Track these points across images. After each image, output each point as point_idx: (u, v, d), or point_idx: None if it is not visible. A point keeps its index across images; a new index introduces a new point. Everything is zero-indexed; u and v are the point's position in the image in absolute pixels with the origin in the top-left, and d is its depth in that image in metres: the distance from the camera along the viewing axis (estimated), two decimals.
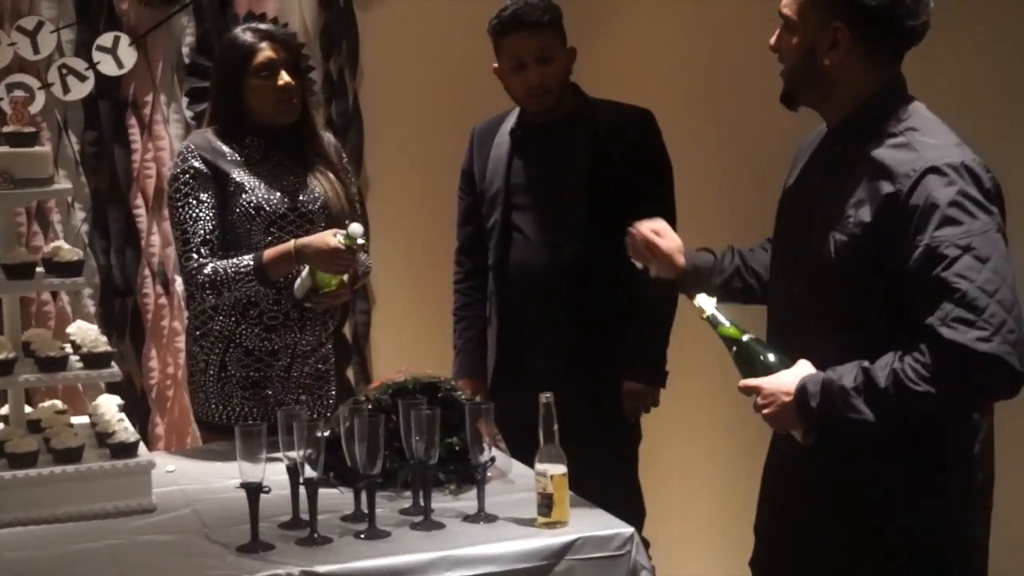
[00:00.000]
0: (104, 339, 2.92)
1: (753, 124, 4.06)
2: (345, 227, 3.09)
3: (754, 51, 3.97)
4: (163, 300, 4.33)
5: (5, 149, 2.84)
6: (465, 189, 3.65)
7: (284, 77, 3.23)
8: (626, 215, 3.24)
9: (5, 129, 2.87)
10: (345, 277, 3.22)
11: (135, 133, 4.29)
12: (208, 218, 3.18)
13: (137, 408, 4.30)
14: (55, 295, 4.18)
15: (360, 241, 3.08)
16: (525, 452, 2.76)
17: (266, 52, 3.23)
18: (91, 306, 4.27)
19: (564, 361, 3.41)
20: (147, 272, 4.31)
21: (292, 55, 3.30)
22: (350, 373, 4.58)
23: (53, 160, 4.13)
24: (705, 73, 4.30)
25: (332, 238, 3.08)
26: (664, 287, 2.99)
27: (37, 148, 2.91)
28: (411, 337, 4.58)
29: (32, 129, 2.92)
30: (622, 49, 4.51)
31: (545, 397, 2.53)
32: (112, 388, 4.19)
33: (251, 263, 3.12)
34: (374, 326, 4.64)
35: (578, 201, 3.41)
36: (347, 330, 4.59)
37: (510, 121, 3.54)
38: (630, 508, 3.05)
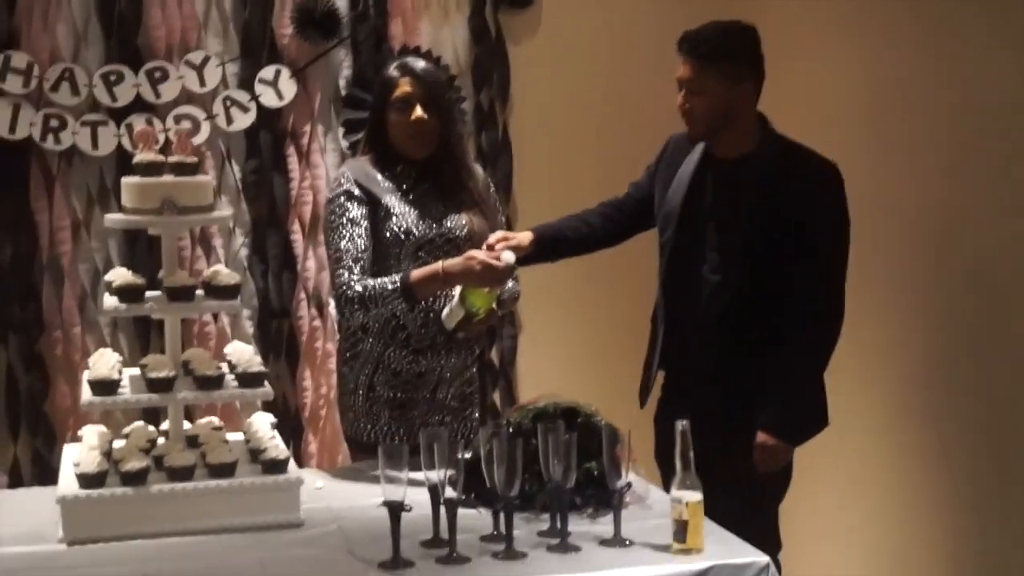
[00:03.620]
0: (259, 359, 3.04)
1: (921, 166, 4.02)
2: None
3: (921, 93, 3.99)
4: (317, 323, 4.46)
5: (169, 178, 2.98)
6: (639, 183, 3.63)
7: (417, 112, 3.34)
8: (792, 263, 3.29)
9: (170, 159, 3.00)
10: (494, 305, 3.30)
11: (293, 162, 4.44)
12: (360, 237, 3.29)
13: (291, 427, 4.44)
14: (215, 316, 4.34)
15: (510, 264, 3.18)
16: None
17: (403, 87, 3.35)
18: (250, 327, 4.43)
19: (720, 389, 3.38)
20: (302, 295, 4.46)
21: (430, 90, 3.38)
22: (496, 397, 4.66)
23: (215, 188, 4.32)
24: (872, 115, 4.26)
25: (481, 254, 3.17)
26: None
27: (199, 177, 3.04)
28: (557, 362, 4.63)
29: (194, 159, 3.05)
30: (794, 85, 4.48)
31: (682, 424, 2.55)
32: (268, 407, 4.35)
33: (398, 281, 3.21)
34: (521, 351, 4.71)
35: (742, 243, 3.35)
36: (494, 354, 4.67)
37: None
38: (764, 537, 3.02)
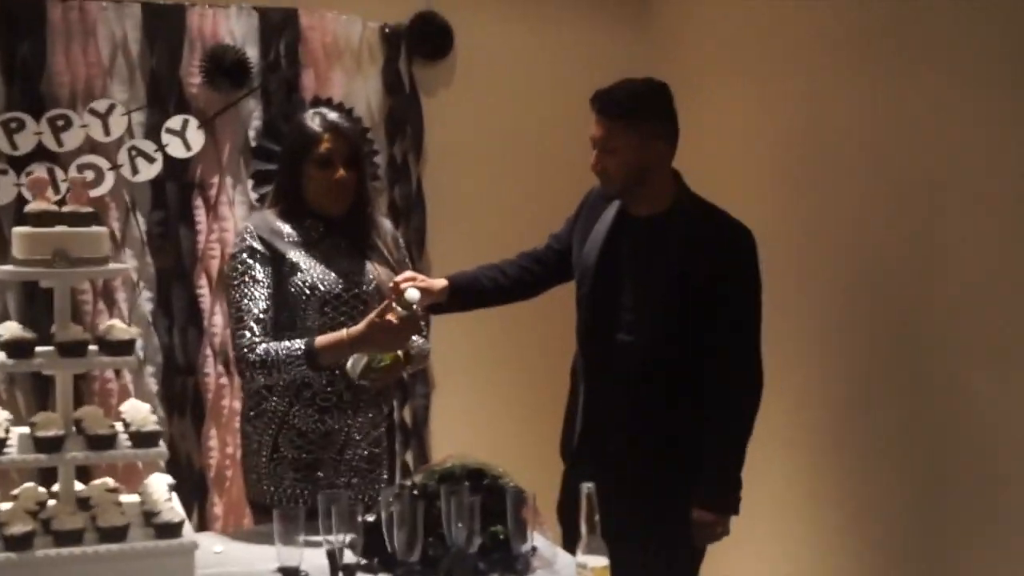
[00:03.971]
0: (154, 418, 2.91)
1: (845, 201, 4.01)
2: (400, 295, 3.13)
3: (844, 127, 3.99)
4: (224, 380, 4.35)
5: (62, 229, 2.87)
6: (558, 235, 3.59)
7: (340, 171, 3.27)
8: (705, 327, 3.25)
9: (64, 209, 2.90)
10: (400, 353, 3.22)
11: (200, 214, 4.34)
12: (263, 297, 3.20)
13: (195, 488, 4.31)
14: (117, 373, 4.22)
15: (415, 307, 3.09)
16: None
17: (327, 144, 3.27)
18: (153, 384, 4.30)
19: (634, 445, 3.32)
20: (209, 352, 4.34)
21: (353, 149, 3.33)
22: (409, 457, 4.56)
23: (119, 240, 4.20)
24: (789, 152, 4.26)
25: (381, 318, 3.09)
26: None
27: (94, 228, 2.91)
28: (471, 421, 4.57)
29: (90, 209, 2.94)
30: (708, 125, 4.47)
31: (587, 488, 2.48)
32: (172, 467, 4.22)
33: (302, 347, 3.12)
34: (433, 410, 4.63)
35: (656, 304, 3.30)
36: (407, 413, 4.58)
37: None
38: None
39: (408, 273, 3.30)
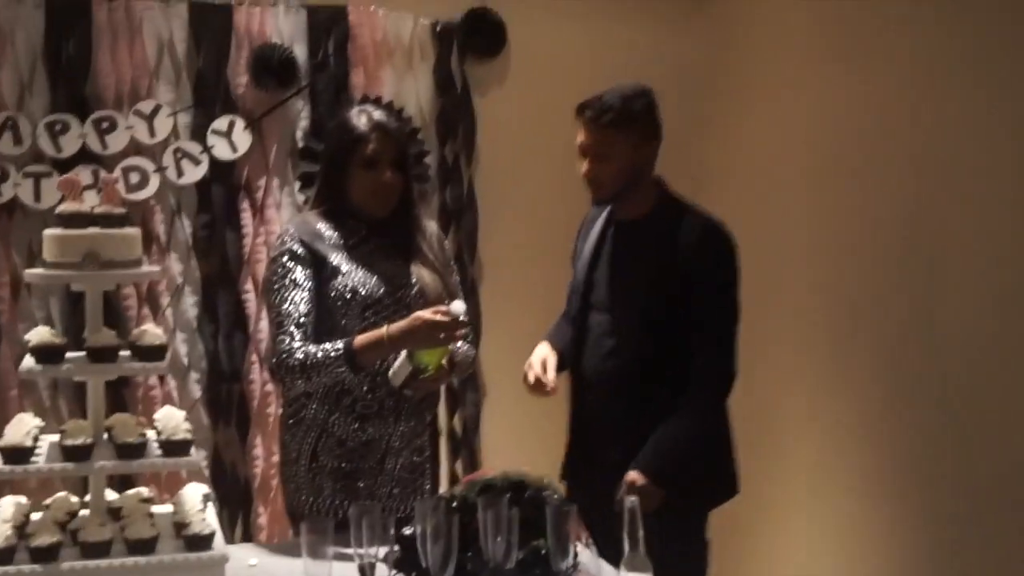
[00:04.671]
0: (186, 426, 2.83)
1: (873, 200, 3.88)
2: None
3: (879, 125, 3.86)
4: (269, 387, 4.26)
5: (94, 230, 2.80)
6: (571, 281, 3.56)
7: (387, 173, 3.16)
8: (682, 326, 3.23)
9: (95, 210, 2.82)
10: (444, 361, 3.11)
11: (247, 217, 4.26)
12: (303, 301, 3.10)
13: (240, 497, 4.22)
14: (162, 380, 4.15)
15: (461, 318, 2.98)
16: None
17: (374, 145, 3.17)
18: (198, 391, 4.22)
19: (619, 453, 3.23)
20: (255, 358, 4.25)
21: (401, 149, 3.23)
22: (459, 467, 4.44)
23: (163, 243, 4.13)
24: (825, 149, 4.13)
25: (426, 313, 2.99)
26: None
27: (126, 229, 2.85)
28: (522, 429, 4.44)
29: (122, 210, 2.87)
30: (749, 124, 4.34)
31: (631, 501, 2.36)
32: (217, 476, 4.14)
33: (341, 347, 3.02)
34: (484, 418, 4.51)
35: (634, 308, 3.30)
36: (456, 422, 4.47)
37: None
38: None
39: (538, 359, 3.35)
